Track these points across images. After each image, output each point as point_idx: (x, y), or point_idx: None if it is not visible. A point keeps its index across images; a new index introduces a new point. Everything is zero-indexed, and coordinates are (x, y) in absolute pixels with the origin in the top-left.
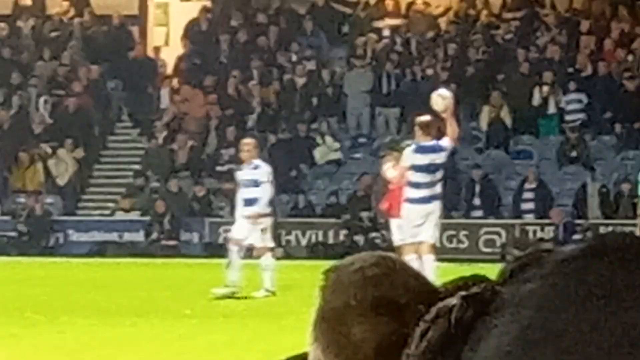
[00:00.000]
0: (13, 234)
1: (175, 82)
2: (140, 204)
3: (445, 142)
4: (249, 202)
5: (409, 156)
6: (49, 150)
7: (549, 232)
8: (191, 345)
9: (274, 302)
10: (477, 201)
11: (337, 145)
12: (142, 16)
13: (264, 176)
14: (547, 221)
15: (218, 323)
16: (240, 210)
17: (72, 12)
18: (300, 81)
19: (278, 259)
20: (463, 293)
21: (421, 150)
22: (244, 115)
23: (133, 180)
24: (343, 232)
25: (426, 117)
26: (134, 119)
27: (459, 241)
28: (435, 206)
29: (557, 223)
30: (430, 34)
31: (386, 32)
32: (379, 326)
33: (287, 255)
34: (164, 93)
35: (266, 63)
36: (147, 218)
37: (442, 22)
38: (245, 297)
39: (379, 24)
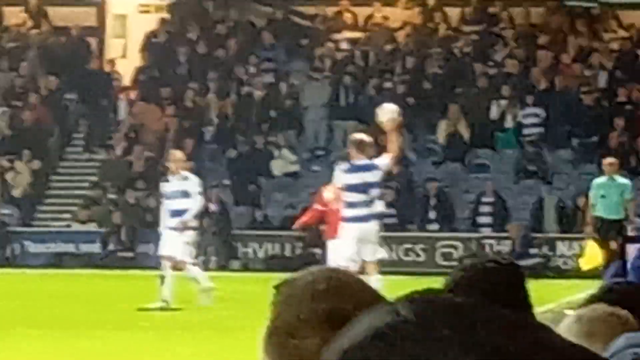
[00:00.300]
0: None
1: (132, 94)
2: (97, 215)
3: (383, 159)
4: (177, 213)
5: (340, 176)
6: (6, 162)
7: (506, 246)
8: (147, 357)
9: (231, 314)
10: (433, 214)
11: (294, 157)
12: (100, 28)
13: (194, 187)
14: (504, 235)
15: (176, 335)
16: (167, 222)
17: (30, 24)
18: (258, 93)
19: (235, 270)
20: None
21: (352, 169)
22: (201, 127)
23: (90, 192)
24: (300, 245)
25: (360, 135)
26: (91, 131)
27: (416, 254)
28: (374, 225)
29: (514, 237)
30: (389, 47)
31: (344, 45)
32: (329, 338)
33: (245, 268)
34: (121, 105)
35: (224, 75)
36: (103, 229)
37: (400, 36)
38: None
39: (337, 36)
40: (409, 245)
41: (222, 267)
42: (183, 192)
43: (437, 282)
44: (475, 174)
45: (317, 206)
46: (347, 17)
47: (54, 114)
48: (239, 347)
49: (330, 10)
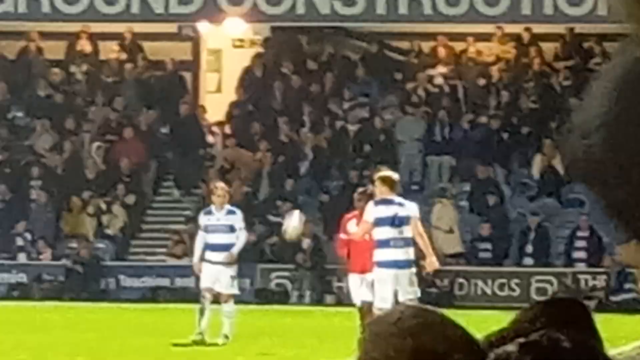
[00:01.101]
0: (63, 278)
1: (227, 128)
2: (192, 249)
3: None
4: (223, 247)
5: (371, 210)
6: (101, 196)
7: (601, 281)
8: None
9: (325, 347)
10: (529, 249)
11: None
12: (195, 62)
13: (240, 222)
14: (599, 270)
15: None
16: (209, 256)
17: (125, 58)
18: (352, 128)
19: (329, 305)
20: (521, 340)
21: (382, 202)
22: (296, 162)
23: (184, 227)
24: None
25: (387, 172)
26: (185, 165)
27: (511, 289)
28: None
29: (609, 271)
30: (483, 82)
31: (439, 80)
32: None
33: (339, 302)
34: (216, 140)
35: (318, 110)
36: None
37: (494, 70)
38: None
39: (431, 71)
40: (503, 280)
41: (317, 302)
42: (229, 227)
43: None
44: (570, 208)
45: (342, 235)
46: (441, 51)
47: (149, 149)
48: None
49: (426, 46)
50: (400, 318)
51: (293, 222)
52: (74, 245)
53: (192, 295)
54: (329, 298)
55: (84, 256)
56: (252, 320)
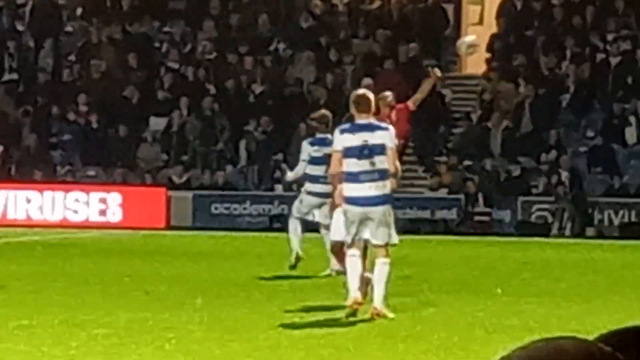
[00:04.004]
0: None
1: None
2: (454, 182)
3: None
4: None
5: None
6: None
7: None
8: (501, 325)
9: (587, 281)
10: None
11: None
12: None
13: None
14: None
15: (529, 302)
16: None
17: None
18: (614, 60)
19: (590, 238)
20: None
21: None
22: (557, 95)
23: (447, 159)
24: None
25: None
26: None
27: None
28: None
29: None
30: None
31: None
32: None
33: (600, 235)
34: (478, 72)
35: (580, 43)
36: (459, 196)
37: None
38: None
39: None
40: None
41: (578, 235)
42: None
43: None
44: None
45: None
46: None
47: (411, 82)
48: (591, 314)
49: None
50: (527, 356)
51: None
52: None
53: (452, 228)
54: (589, 230)
55: None
56: (511, 253)
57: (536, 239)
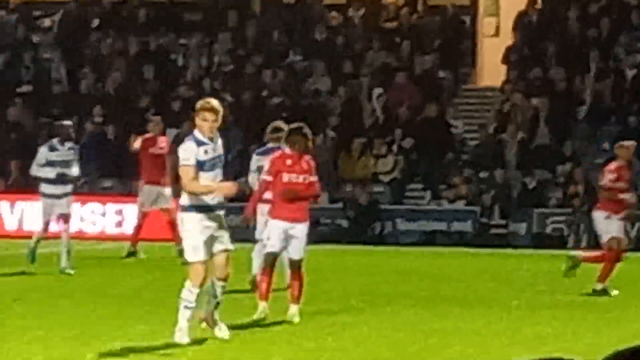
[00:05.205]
0: (342, 222)
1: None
2: (470, 194)
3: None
4: None
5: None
6: (380, 141)
7: None
8: (516, 337)
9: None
10: None
11: None
12: (473, 7)
13: None
14: None
15: (544, 315)
16: None
17: (404, 2)
18: (630, 73)
19: None
20: None
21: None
22: (574, 107)
23: (461, 172)
24: None
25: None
26: (458, 104)
27: None
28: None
29: None
30: None
31: None
32: None
33: None
34: (493, 84)
35: (596, 55)
36: (475, 208)
37: None
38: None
39: None
40: None
41: (594, 247)
42: None
43: None
44: None
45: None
46: None
47: (427, 93)
48: (609, 325)
49: None
50: None
51: None
52: (349, 188)
53: (468, 239)
54: None
55: (359, 200)
56: (527, 265)
57: (552, 251)
